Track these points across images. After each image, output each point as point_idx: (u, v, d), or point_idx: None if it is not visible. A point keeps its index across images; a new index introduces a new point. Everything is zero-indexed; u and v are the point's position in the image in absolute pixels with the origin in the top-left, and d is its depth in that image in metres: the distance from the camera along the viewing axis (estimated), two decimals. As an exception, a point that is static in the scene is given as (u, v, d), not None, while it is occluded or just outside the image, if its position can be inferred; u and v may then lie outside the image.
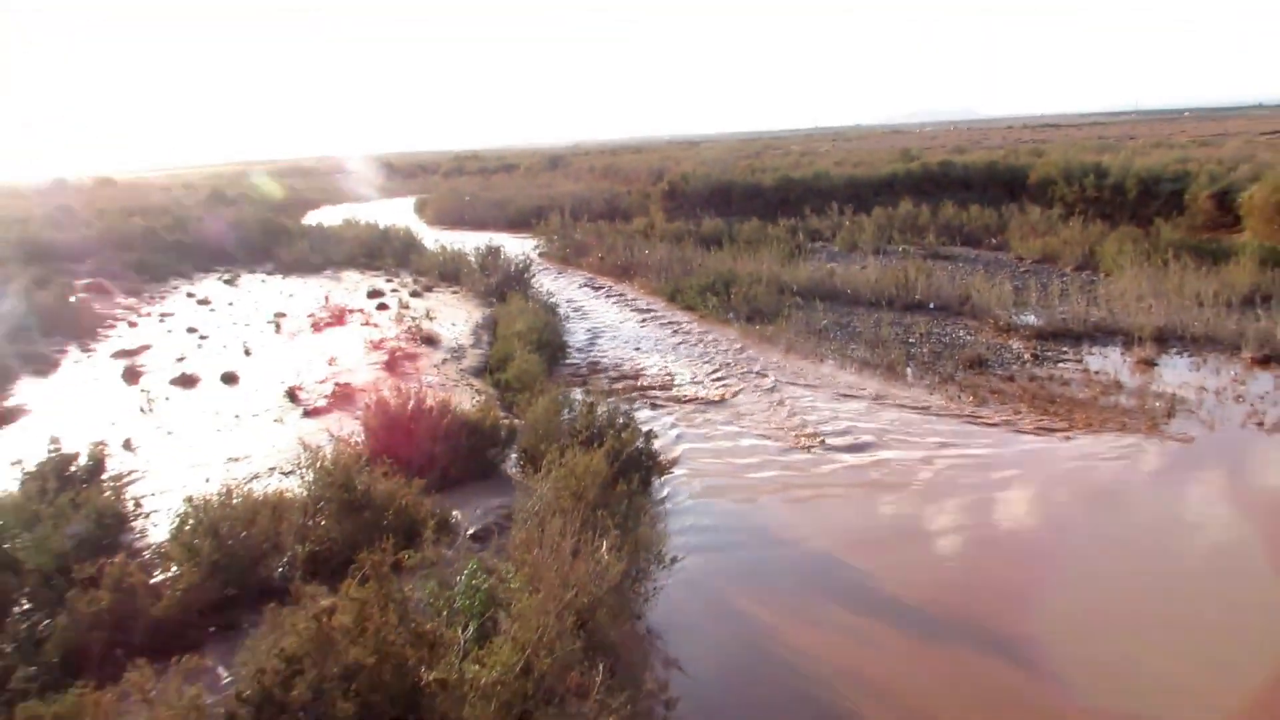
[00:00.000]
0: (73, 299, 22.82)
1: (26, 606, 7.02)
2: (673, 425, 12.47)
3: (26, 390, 15.74)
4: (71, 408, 14.43)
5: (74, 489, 8.72)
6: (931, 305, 19.14)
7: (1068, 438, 11.47)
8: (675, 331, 18.53)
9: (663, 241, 28.49)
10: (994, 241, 27.88)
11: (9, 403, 14.76)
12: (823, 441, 11.64)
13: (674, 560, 7.90)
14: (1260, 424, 11.69)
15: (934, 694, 6.66)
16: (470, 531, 8.42)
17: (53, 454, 9.57)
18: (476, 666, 5.14)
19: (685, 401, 13.57)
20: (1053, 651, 7.10)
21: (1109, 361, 14.66)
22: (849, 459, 11.10)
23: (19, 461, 9.83)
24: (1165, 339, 15.52)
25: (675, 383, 14.57)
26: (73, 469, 9.43)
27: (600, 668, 5.39)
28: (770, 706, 6.61)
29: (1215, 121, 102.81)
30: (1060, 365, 14.51)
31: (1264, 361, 14.17)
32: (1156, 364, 14.35)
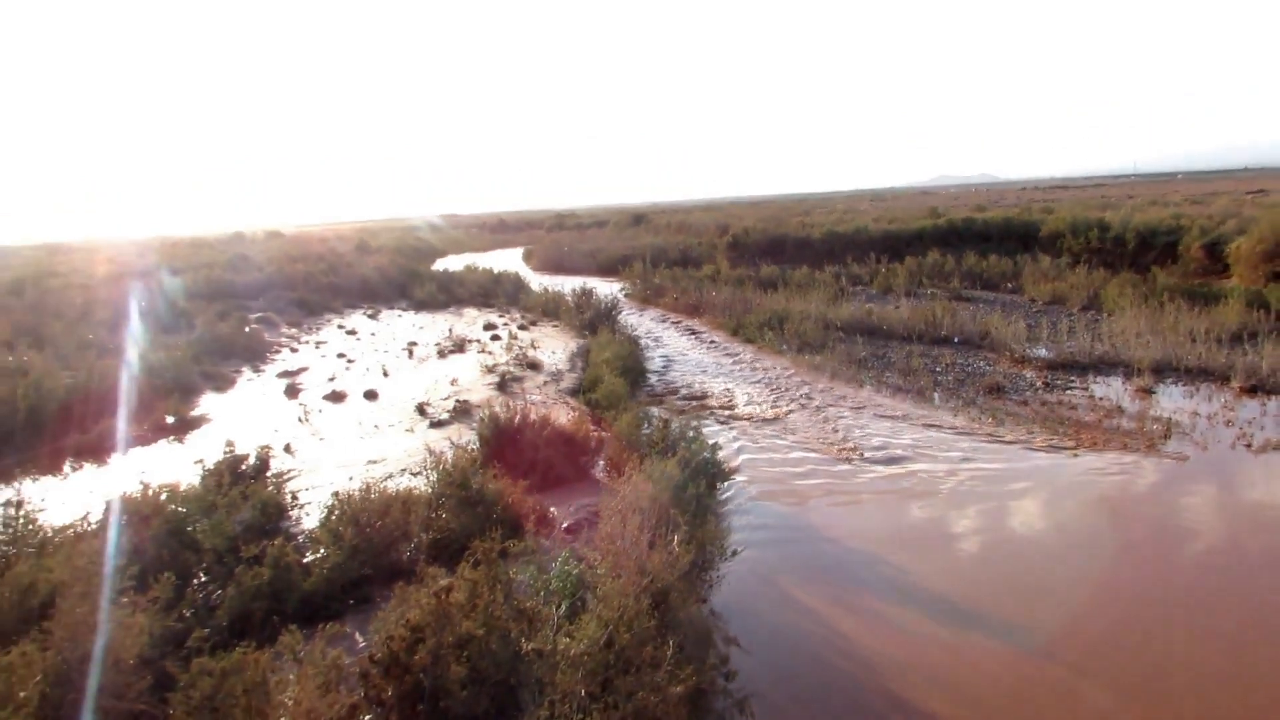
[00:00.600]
0: (247, 329, 23.51)
1: (203, 579, 7.18)
2: (734, 439, 12.33)
3: (208, 402, 16.23)
4: (243, 417, 14.83)
5: (244, 484, 8.92)
6: (956, 340, 18.70)
7: (1075, 455, 11.06)
8: (736, 360, 18.37)
9: (727, 285, 28.35)
10: (1010, 286, 27.20)
11: (194, 413, 15.22)
12: (861, 454, 11.40)
13: (735, 553, 7.79)
14: (1248, 445, 11.16)
15: (955, 673, 6.44)
16: (564, 525, 8.40)
17: (227, 455, 9.81)
18: (567, 639, 5.10)
19: (745, 419, 13.41)
20: (1062, 639, 6.82)
21: (1111, 389, 14.14)
22: (884, 470, 10.85)
23: (201, 460, 10.09)
24: (1162, 370, 14.93)
25: (736, 403, 14.42)
26: (243, 467, 9.65)
27: (671, 643, 5.30)
28: (817, 679, 6.46)
29: (1206, 182, 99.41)
30: (1068, 392, 14.03)
31: (1251, 390, 13.54)
32: (1154, 392, 13.80)
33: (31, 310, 25.43)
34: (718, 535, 7.71)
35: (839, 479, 10.61)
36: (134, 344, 20.24)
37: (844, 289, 27.26)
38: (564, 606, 5.69)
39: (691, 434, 9.99)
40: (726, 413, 13.84)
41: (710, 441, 10.08)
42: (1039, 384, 14.62)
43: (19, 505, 8.00)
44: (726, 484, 10.16)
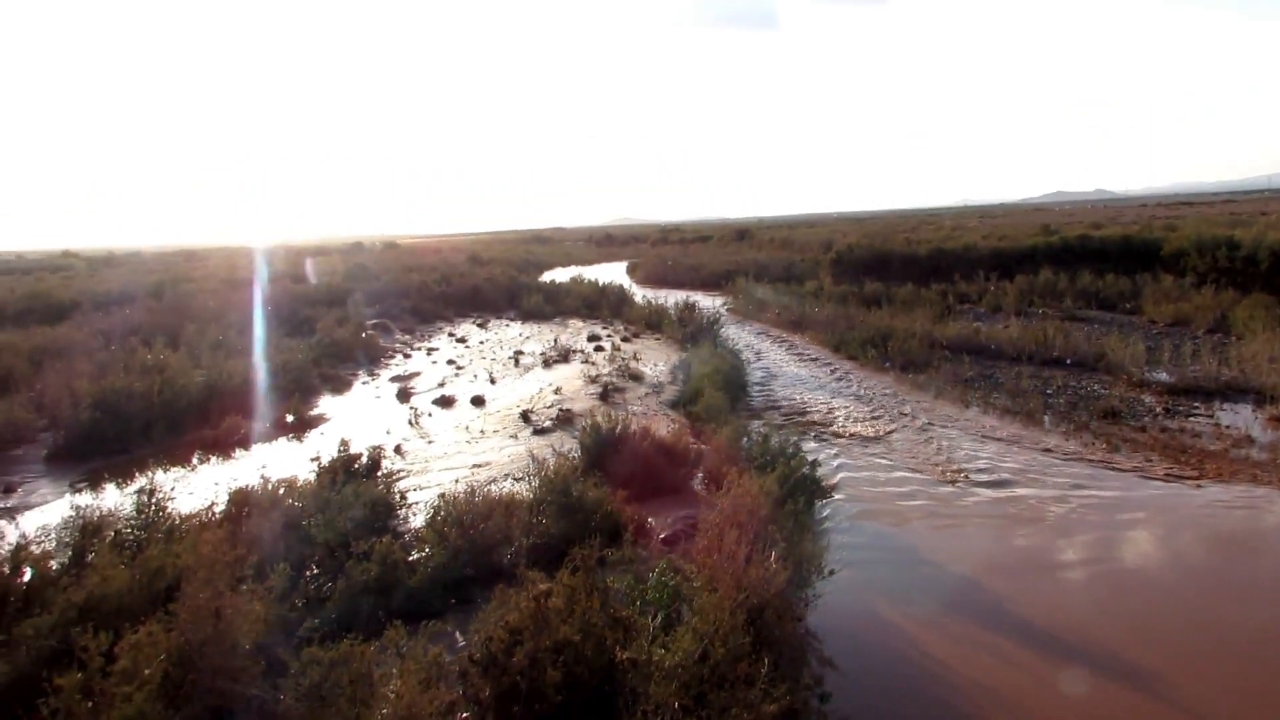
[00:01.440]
0: (364, 335, 24.37)
1: (315, 571, 7.43)
2: (834, 456, 12.06)
3: (325, 403, 16.88)
4: (358, 418, 15.36)
5: (356, 482, 9.20)
6: (1068, 361, 17.89)
7: (1198, 485, 10.39)
8: (838, 377, 18.01)
9: (830, 301, 27.89)
10: (1128, 306, 25.82)
11: (313, 412, 15.84)
12: (966, 477, 11.00)
13: (832, 572, 7.59)
14: (1398, 484, 10.28)
15: (1055, 709, 6.12)
16: (661, 536, 8.37)
17: (341, 454, 10.15)
18: (662, 650, 5.06)
19: (845, 436, 13.12)
20: (1174, 685, 6.39)
21: (1240, 417, 13.24)
22: (989, 494, 10.43)
23: (317, 458, 10.47)
24: (1299, 399, 13.90)
25: (837, 419, 14.13)
26: (356, 466, 9.97)
27: (765, 660, 5.20)
28: (913, 706, 6.24)
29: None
30: (1191, 419, 13.20)
31: (1402, 425, 12.48)
32: (1290, 422, 12.86)
33: (169, 312, 27.00)
34: (815, 553, 7.55)
35: (942, 501, 10.26)
36: (260, 346, 21.23)
37: (950, 307, 26.47)
38: (660, 617, 5.66)
39: (791, 450, 9.83)
40: (826, 429, 13.57)
41: (809, 458, 9.90)
42: (1158, 409, 13.82)
43: (151, 493, 8.47)
44: (825, 502, 9.94)
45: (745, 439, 10.78)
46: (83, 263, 70.81)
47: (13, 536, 8.67)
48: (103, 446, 13.28)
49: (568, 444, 11.86)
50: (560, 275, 49.74)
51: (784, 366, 19.65)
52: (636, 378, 17.68)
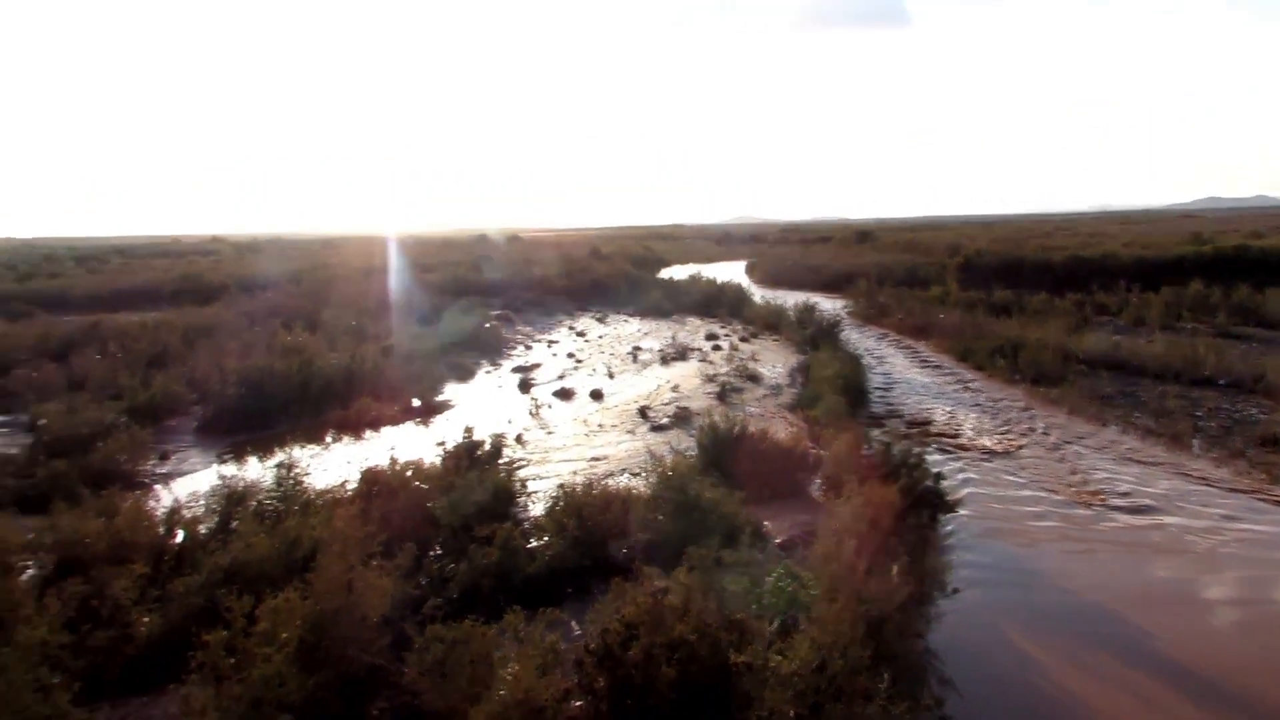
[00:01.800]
0: (487, 325, 25.05)
1: (439, 552, 7.67)
2: (959, 470, 11.65)
3: (450, 390, 17.44)
4: (480, 406, 15.82)
5: (479, 468, 9.47)
6: (1221, 382, 16.71)
7: (1371, 525, 9.57)
8: (964, 387, 17.41)
9: (956, 307, 27.00)
10: (1292, 324, 23.93)
11: (438, 398, 16.40)
12: (1104, 500, 10.44)
13: (955, 590, 7.37)
14: None
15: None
16: (778, 540, 8.28)
17: (465, 440, 10.44)
18: (779, 656, 5.01)
19: (971, 449, 12.66)
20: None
21: None
22: (1128, 519, 9.87)
23: (442, 443, 10.83)
24: None
25: (963, 432, 13.66)
26: (479, 453, 10.23)
27: (885, 676, 5.08)
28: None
29: None
30: (1364, 452, 12.15)
31: None
32: None
33: (307, 296, 28.43)
34: (938, 569, 7.35)
35: (1076, 524, 9.78)
36: (391, 332, 22.11)
37: (1087, 318, 25.18)
38: (776, 623, 5.61)
39: (914, 460, 9.56)
40: (951, 441, 13.14)
41: (933, 470, 9.61)
42: (1325, 440, 12.80)
43: (290, 468, 8.94)
44: (949, 517, 9.63)
45: (866, 446, 10.56)
46: (230, 248, 75.39)
47: (167, 500, 9.30)
48: (246, 421, 14.11)
49: (685, 442, 11.88)
50: (679, 272, 49.86)
51: (907, 373, 19.14)
52: (754, 378, 17.56)
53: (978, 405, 15.66)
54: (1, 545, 6.89)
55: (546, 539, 7.86)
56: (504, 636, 5.34)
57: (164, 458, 12.27)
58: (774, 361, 19.87)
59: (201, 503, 8.50)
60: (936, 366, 19.89)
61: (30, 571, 7.15)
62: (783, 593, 5.83)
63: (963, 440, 13.18)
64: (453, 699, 5.00)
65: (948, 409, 15.33)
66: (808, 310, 23.95)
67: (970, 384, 17.69)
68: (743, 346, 22.34)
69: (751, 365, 18.82)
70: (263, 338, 19.70)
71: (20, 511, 9.05)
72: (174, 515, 7.98)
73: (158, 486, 10.90)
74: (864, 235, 77.05)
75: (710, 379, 17.37)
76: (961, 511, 10.02)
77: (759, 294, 34.77)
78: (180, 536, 7.73)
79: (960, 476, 11.34)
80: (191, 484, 10.86)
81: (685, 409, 14.58)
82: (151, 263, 53.92)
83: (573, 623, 6.61)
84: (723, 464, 9.90)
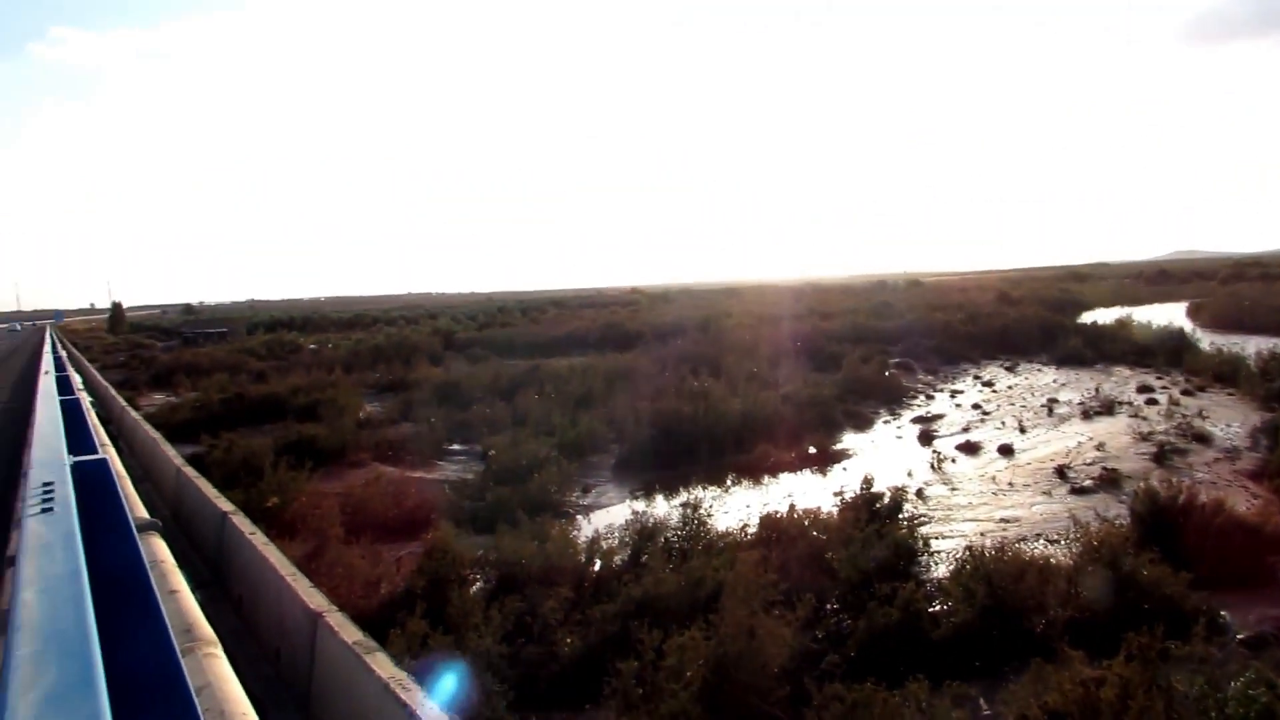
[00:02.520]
0: (886, 373, 24.50)
1: (835, 606, 7.53)
2: None
3: (847, 439, 17.26)
4: (878, 457, 15.43)
5: (878, 522, 9.18)
6: None
7: None
8: None
9: None
10: None
11: (835, 446, 16.29)
12: None
13: None
14: None
15: None
16: (1242, 636, 6.95)
17: (864, 491, 10.21)
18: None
19: None
20: None
21: None
22: None
23: (840, 492, 10.70)
24: None
25: None
26: (878, 505, 9.94)
27: None
28: None
29: None
30: None
31: None
32: None
33: (711, 343, 30.03)
34: None
35: None
36: (789, 379, 22.51)
37: None
38: (1245, 737, 4.66)
39: None
40: None
41: None
42: None
43: (694, 508, 9.38)
44: None
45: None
46: (646, 299, 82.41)
47: (588, 530, 10.22)
48: (656, 461, 15.15)
49: (1113, 509, 10.53)
50: (1102, 316, 44.90)
51: None
52: (1202, 439, 15.11)
53: None
54: (458, 560, 8.02)
55: (951, 604, 7.36)
56: (906, 706, 5.05)
57: (586, 490, 13.56)
58: (1228, 419, 16.97)
59: (616, 535, 9.22)
60: None
61: (478, 584, 8.25)
62: (1253, 703, 4.83)
63: None
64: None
65: None
66: (1275, 359, 20.21)
67: None
68: (1185, 401, 19.38)
69: (1198, 423, 16.24)
70: (672, 382, 21.08)
71: (474, 530, 10.48)
72: (594, 545, 8.73)
73: (579, 517, 12.03)
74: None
75: (1144, 437, 15.28)
76: None
77: (1206, 340, 30.07)
78: (597, 565, 8.44)
79: None
80: (608, 516, 11.84)
81: (1113, 471, 12.96)
82: (580, 313, 60.71)
83: (981, 700, 6.08)
84: (1164, 538, 8.58)
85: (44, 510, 2.14)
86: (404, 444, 16.32)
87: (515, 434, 16.00)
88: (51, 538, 1.90)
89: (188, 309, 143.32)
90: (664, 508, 12.11)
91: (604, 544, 8.81)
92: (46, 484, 2.40)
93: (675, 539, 8.99)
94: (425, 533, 9.62)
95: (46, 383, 7.97)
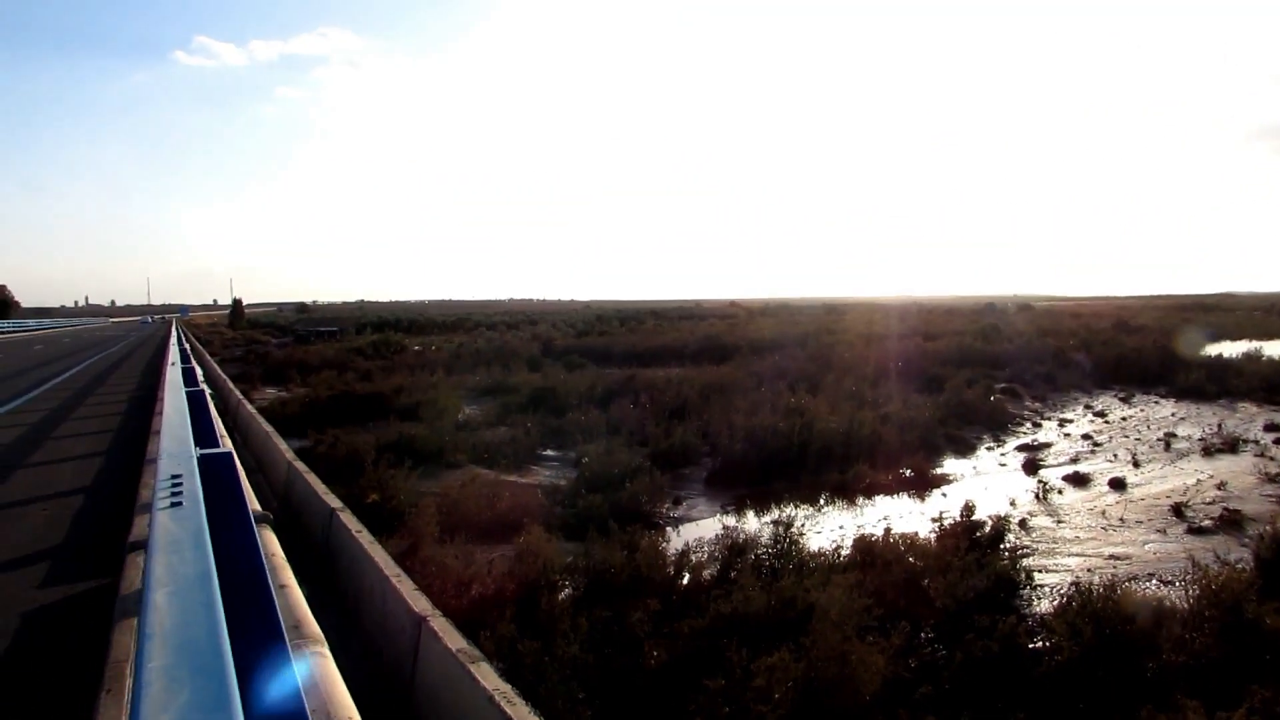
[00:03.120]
0: (991, 398, 23.73)
1: (930, 635, 7.32)
2: None
3: (949, 464, 16.75)
4: (979, 484, 14.93)
5: (978, 551, 8.90)
6: None
7: None
8: None
9: None
10: None
11: (935, 471, 15.85)
12: None
13: None
14: None
15: None
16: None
17: (964, 518, 9.93)
18: None
19: None
20: None
21: None
22: None
23: (938, 518, 10.41)
24: None
25: None
26: (978, 534, 9.65)
27: None
28: None
29: None
30: None
31: None
32: None
33: (810, 360, 29.66)
34: None
35: None
36: (889, 400, 22.02)
37: None
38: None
39: None
40: None
41: None
42: None
43: (787, 526, 9.26)
44: None
45: None
46: (745, 312, 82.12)
47: (677, 543, 10.20)
48: (748, 475, 15.00)
49: (1235, 551, 9.94)
50: (1229, 349, 42.49)
51: None
52: (1342, 483, 14.14)
53: None
54: (549, 564, 8.12)
55: (1055, 641, 7.06)
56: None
57: (676, 502, 13.52)
58: (1374, 463, 15.83)
59: (706, 549, 9.17)
60: None
61: (567, 590, 8.32)
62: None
63: None
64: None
65: None
66: None
67: None
68: (1319, 442, 18.18)
69: (1337, 466, 15.21)
70: (769, 397, 20.89)
71: (564, 537, 10.58)
72: (684, 558, 8.71)
73: (669, 528, 12.01)
74: None
75: (1270, 478, 14.39)
76: None
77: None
78: (685, 578, 8.41)
79: None
80: (698, 530, 11.78)
81: (1235, 511, 12.23)
82: (678, 324, 60.85)
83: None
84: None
85: (173, 504, 2.24)
86: (500, 447, 16.61)
87: (609, 442, 16.11)
88: (181, 535, 1.98)
89: (301, 307, 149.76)
90: (755, 524, 12.00)
91: (693, 557, 8.78)
92: (175, 476, 2.52)
93: (766, 557, 8.90)
94: (517, 536, 9.77)
95: (173, 374, 8.40)
